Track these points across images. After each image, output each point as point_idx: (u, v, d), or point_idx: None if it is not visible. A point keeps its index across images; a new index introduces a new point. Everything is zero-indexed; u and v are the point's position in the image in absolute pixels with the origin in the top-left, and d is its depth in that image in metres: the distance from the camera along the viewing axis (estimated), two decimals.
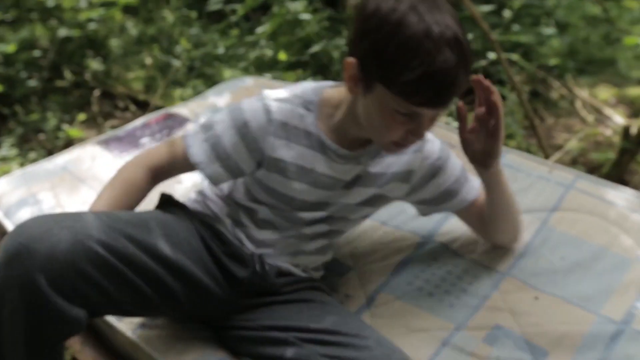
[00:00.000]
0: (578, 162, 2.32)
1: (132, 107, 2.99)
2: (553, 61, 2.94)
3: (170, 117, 1.94)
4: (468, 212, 1.24)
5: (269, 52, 3.16)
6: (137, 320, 1.20)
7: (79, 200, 1.54)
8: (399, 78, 0.90)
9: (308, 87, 1.12)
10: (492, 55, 2.20)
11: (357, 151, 1.10)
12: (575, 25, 3.21)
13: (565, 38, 3.24)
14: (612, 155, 2.12)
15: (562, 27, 3.34)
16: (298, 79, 2.85)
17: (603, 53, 3.13)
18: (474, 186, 1.21)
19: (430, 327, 1.15)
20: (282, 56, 2.90)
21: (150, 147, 1.17)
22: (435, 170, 1.17)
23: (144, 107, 2.93)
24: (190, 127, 1.19)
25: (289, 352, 1.01)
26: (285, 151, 1.08)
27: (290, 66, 3.01)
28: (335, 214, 1.16)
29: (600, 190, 1.43)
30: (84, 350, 1.29)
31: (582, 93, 2.86)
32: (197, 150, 1.09)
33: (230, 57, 3.48)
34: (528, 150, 2.32)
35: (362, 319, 1.11)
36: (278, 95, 1.09)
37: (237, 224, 1.15)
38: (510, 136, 2.36)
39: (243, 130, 1.06)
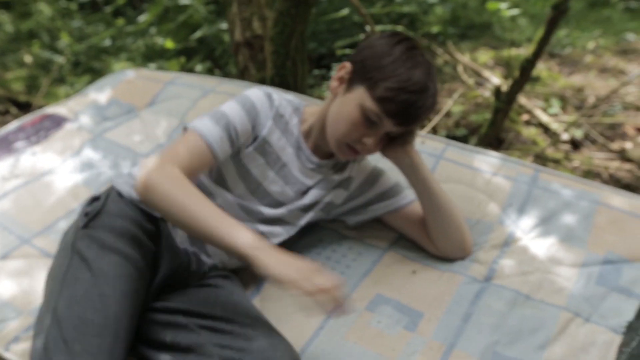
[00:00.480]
0: (461, 124, 2.46)
1: (14, 110, 2.83)
2: (435, 29, 3.07)
3: (47, 117, 1.86)
4: (402, 219, 1.31)
5: (159, 41, 3.07)
6: (11, 335, 1.17)
7: None
8: (383, 83, 1.07)
9: (292, 98, 1.25)
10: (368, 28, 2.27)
11: (322, 161, 1.24)
12: None
13: (447, 5, 3.37)
14: (489, 115, 2.27)
15: None
16: (183, 68, 2.81)
17: (481, 18, 3.30)
18: (406, 195, 1.32)
19: (316, 305, 1.21)
20: (169, 44, 2.83)
21: (168, 152, 1.08)
22: (372, 179, 1.32)
23: (26, 108, 2.78)
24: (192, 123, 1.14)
25: (186, 338, 1.05)
26: (276, 138, 1.19)
27: (180, 53, 2.95)
28: (287, 216, 1.24)
29: (467, 157, 1.55)
30: None
31: (464, 58, 3.02)
32: (205, 127, 1.11)
33: (119, 48, 3.35)
34: None
35: (254, 307, 1.14)
36: (277, 95, 1.22)
37: None
38: None
39: (248, 106, 1.16)
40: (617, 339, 1.09)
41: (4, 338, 1.18)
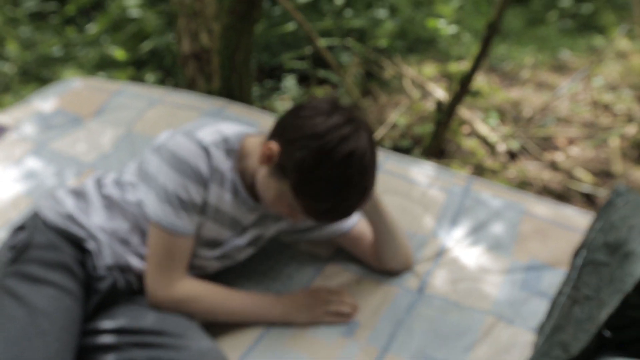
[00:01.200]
0: (407, 135, 2.55)
1: None
2: (383, 42, 3.17)
3: None
4: (348, 240, 1.33)
5: (110, 51, 3.05)
6: None
7: None
8: (312, 202, 1.06)
9: (232, 132, 1.19)
10: (322, 42, 2.33)
11: (257, 203, 1.22)
12: (404, 8, 3.47)
13: (396, 20, 3.48)
14: (432, 127, 2.36)
15: (393, 10, 3.59)
16: (133, 78, 2.80)
17: (427, 33, 3.42)
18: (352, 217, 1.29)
19: None
20: (120, 55, 2.82)
21: (162, 268, 1.14)
22: None
23: None
24: (149, 205, 1.15)
25: (117, 358, 1.05)
26: (213, 195, 1.17)
27: (131, 64, 2.94)
28: (225, 254, 1.25)
29: (404, 169, 1.62)
30: None
31: (410, 71, 3.12)
32: (174, 222, 1.12)
33: (69, 57, 3.30)
34: None
35: (185, 317, 1.15)
36: (210, 139, 1.15)
37: (121, 242, 1.17)
38: None
39: (196, 178, 1.12)
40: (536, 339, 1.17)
41: None
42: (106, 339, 1.08)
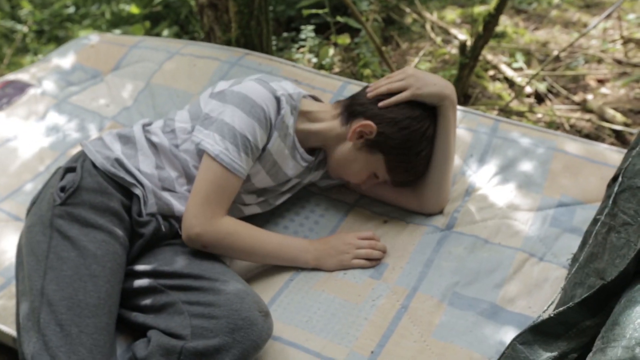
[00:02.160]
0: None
1: None
2: None
3: (10, 84, 1.84)
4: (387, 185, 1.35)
5: (124, 7, 3.01)
6: None
7: None
8: (404, 172, 1.23)
9: (293, 91, 1.25)
10: None
11: (312, 156, 1.29)
12: None
13: None
14: (455, 72, 2.30)
15: None
16: (148, 33, 2.76)
17: None
18: None
19: None
20: (134, 9, 2.78)
21: (206, 199, 1.12)
22: None
23: None
24: (209, 142, 1.14)
25: (155, 300, 1.06)
26: (276, 146, 1.20)
27: (146, 19, 2.90)
28: (266, 200, 1.29)
29: None
30: None
31: (432, 16, 3.02)
32: (229, 156, 1.12)
33: (83, 15, 3.27)
34: (382, 76, 2.45)
35: (221, 260, 1.17)
36: (280, 92, 1.20)
37: (167, 189, 1.18)
38: (365, 65, 2.48)
39: (262, 121, 1.15)
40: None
41: None
42: (144, 282, 1.09)
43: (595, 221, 1.00)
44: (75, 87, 1.84)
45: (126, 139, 1.22)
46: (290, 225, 1.35)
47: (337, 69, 2.61)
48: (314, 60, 2.59)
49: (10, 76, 1.90)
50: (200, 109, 1.22)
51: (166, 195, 1.17)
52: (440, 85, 1.21)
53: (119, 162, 1.15)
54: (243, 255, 1.19)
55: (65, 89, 1.83)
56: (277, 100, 1.19)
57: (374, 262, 1.21)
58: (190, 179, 1.20)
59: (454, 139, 1.26)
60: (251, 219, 1.30)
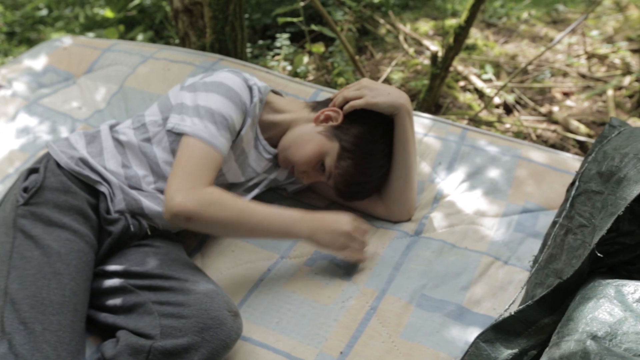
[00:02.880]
0: (402, 90, 2.53)
1: None
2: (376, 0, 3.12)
3: None
4: None
5: (98, 10, 2.99)
6: None
7: None
8: (352, 165, 1.20)
9: (261, 84, 1.25)
10: None
11: (274, 150, 1.29)
12: None
13: None
14: (426, 82, 2.35)
15: None
16: (122, 37, 2.75)
17: None
18: None
19: (256, 258, 1.27)
20: (109, 13, 2.77)
21: (186, 173, 1.08)
22: None
23: None
24: (187, 124, 1.12)
25: (125, 300, 1.06)
26: (245, 133, 1.20)
27: (120, 23, 2.89)
28: (238, 194, 1.28)
29: None
30: None
31: (405, 27, 3.09)
32: (208, 132, 1.11)
33: (56, 18, 3.24)
34: None
35: (191, 261, 1.17)
36: (252, 79, 1.23)
37: (135, 187, 1.18)
38: (339, 74, 2.52)
39: (237, 101, 1.15)
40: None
41: None
42: (114, 282, 1.09)
43: (554, 224, 1.04)
44: (46, 89, 1.83)
45: (91, 138, 1.22)
46: None
47: (311, 77, 2.64)
48: (289, 68, 2.62)
49: None
50: (170, 102, 1.22)
51: (134, 193, 1.17)
52: (394, 95, 1.24)
53: (83, 161, 1.15)
54: (229, 227, 1.09)
55: (36, 91, 1.81)
56: (250, 88, 1.21)
57: (358, 260, 1.22)
58: (159, 176, 1.19)
59: (414, 148, 1.29)
60: None
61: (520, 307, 0.84)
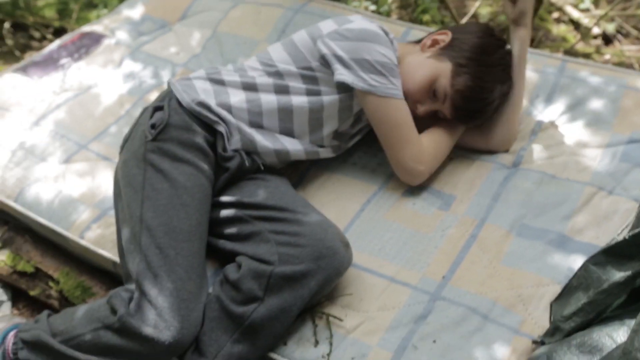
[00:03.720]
0: (490, 25, 2.43)
1: (50, 36, 2.90)
2: None
3: (86, 35, 1.93)
4: None
5: None
6: (83, 225, 1.31)
7: (6, 125, 1.59)
8: (469, 79, 1.20)
9: None
10: None
11: None
12: None
13: None
14: None
15: None
16: None
17: None
18: None
19: (356, 190, 1.32)
20: None
21: (403, 138, 1.21)
22: None
23: (61, 34, 2.84)
24: (371, 83, 1.19)
25: (242, 229, 1.13)
26: None
27: None
28: (342, 142, 1.35)
29: None
30: (45, 261, 1.41)
31: None
32: (394, 90, 1.19)
33: None
34: (442, 22, 2.43)
35: (298, 195, 1.23)
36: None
37: (253, 125, 1.23)
38: (424, 11, 2.45)
39: (390, 45, 1.22)
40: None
41: (77, 228, 1.32)
42: (230, 212, 1.16)
43: None
44: (146, 36, 1.92)
45: (216, 80, 1.25)
46: (358, 161, 1.40)
47: (395, 16, 2.60)
48: (372, 7, 2.58)
49: (86, 28, 2.00)
50: (301, 52, 1.23)
51: (251, 131, 1.22)
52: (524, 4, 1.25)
53: (202, 103, 1.20)
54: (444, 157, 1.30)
55: (137, 39, 1.91)
56: (385, 32, 1.24)
57: None
58: (285, 113, 1.23)
59: (524, 71, 1.27)
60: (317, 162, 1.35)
61: (636, 230, 0.83)
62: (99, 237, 1.30)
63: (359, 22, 1.23)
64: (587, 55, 2.19)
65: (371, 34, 1.19)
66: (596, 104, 1.41)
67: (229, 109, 1.21)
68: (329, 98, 1.23)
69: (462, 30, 1.25)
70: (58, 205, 1.37)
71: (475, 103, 1.23)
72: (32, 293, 1.39)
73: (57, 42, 1.93)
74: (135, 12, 2.03)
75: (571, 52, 2.18)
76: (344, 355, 1.02)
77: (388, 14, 2.58)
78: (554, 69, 1.52)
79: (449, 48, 1.23)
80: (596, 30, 2.34)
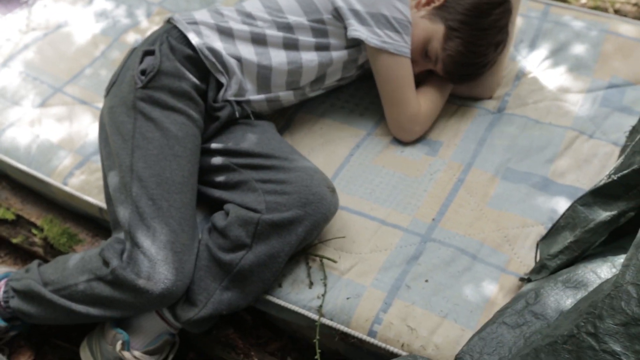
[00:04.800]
0: None
1: None
2: None
3: None
4: None
5: None
6: (65, 171, 1.28)
7: None
8: (461, 43, 1.18)
9: None
10: None
11: None
12: None
13: None
14: None
15: None
16: None
17: None
18: None
19: (344, 135, 1.32)
20: None
21: (402, 98, 1.23)
22: None
23: None
24: (385, 40, 1.19)
25: (229, 177, 1.13)
26: None
27: None
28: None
29: None
30: (26, 208, 1.38)
31: None
32: (401, 47, 1.19)
33: None
34: None
35: (285, 140, 1.22)
36: None
37: (259, 79, 1.21)
38: None
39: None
40: (616, 150, 1.22)
41: (59, 174, 1.29)
42: (217, 160, 1.15)
43: None
44: None
45: (221, 21, 1.20)
46: (345, 105, 1.39)
47: None
48: None
49: None
50: (314, 3, 1.20)
51: (252, 87, 1.20)
52: None
53: (215, 49, 1.16)
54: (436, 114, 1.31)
55: None
56: None
57: None
58: (294, 70, 1.21)
59: (515, 20, 1.27)
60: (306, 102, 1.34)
61: (624, 172, 0.87)
62: (83, 184, 1.27)
63: None
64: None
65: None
66: (578, 49, 1.43)
67: (239, 60, 1.18)
68: (338, 53, 1.22)
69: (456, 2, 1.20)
70: (37, 151, 1.33)
71: (468, 67, 1.22)
72: (14, 241, 1.36)
73: None
74: None
75: None
76: (339, 296, 1.05)
77: None
78: (537, 12, 1.53)
79: (442, 8, 1.20)
80: None
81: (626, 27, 1.45)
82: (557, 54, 1.43)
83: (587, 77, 1.38)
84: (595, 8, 2.15)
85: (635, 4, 2.13)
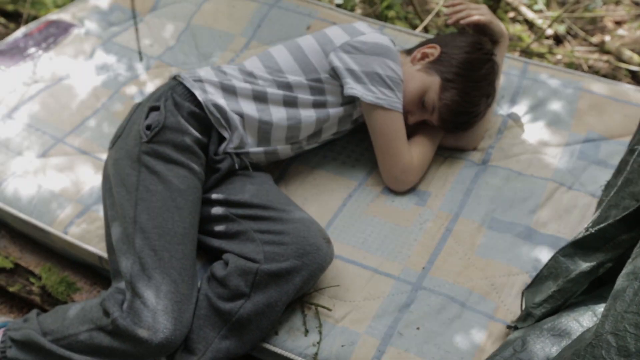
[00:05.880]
0: (448, 24, 2.54)
1: (2, 20, 2.79)
2: None
3: (52, 24, 1.89)
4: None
5: None
6: (66, 221, 1.32)
7: None
8: (456, 93, 1.27)
9: None
10: None
11: None
12: None
13: None
14: None
15: None
16: None
17: None
18: None
19: (337, 186, 1.38)
20: None
21: (395, 151, 1.29)
22: None
23: (14, 17, 2.75)
24: (379, 96, 1.26)
25: (228, 228, 1.17)
26: None
27: None
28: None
29: None
30: (24, 256, 1.40)
31: None
32: (394, 102, 1.26)
33: None
34: (405, 18, 2.51)
35: (281, 191, 1.28)
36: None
37: (260, 135, 1.27)
38: (389, 7, 2.53)
39: (397, 59, 1.28)
40: (594, 201, 1.29)
41: (61, 223, 1.32)
42: (217, 210, 1.19)
43: (631, 151, 1.13)
44: (116, 27, 1.90)
45: (224, 79, 1.26)
46: (338, 157, 1.46)
47: (359, 11, 2.66)
48: (338, 1, 2.63)
49: (52, 16, 1.95)
50: (312, 63, 1.27)
51: (252, 140, 1.26)
52: (502, 25, 1.35)
53: (219, 106, 1.22)
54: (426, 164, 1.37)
55: (107, 29, 1.89)
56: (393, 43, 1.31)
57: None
58: (293, 126, 1.27)
59: (500, 77, 1.36)
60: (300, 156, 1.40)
61: (601, 225, 0.94)
62: (83, 232, 1.31)
63: (372, 35, 1.27)
64: (541, 55, 2.33)
65: (384, 49, 1.25)
66: (555, 105, 1.53)
67: (241, 116, 1.24)
68: (334, 110, 1.29)
69: (450, 44, 1.30)
70: (39, 201, 1.36)
71: (462, 116, 1.30)
72: (11, 289, 1.38)
73: (22, 30, 1.88)
74: (103, 1, 2.00)
75: (526, 52, 2.31)
76: (334, 343, 1.09)
77: (352, 9, 2.64)
78: (517, 70, 1.63)
79: (437, 62, 1.29)
80: (549, 31, 2.49)
81: (599, 86, 1.55)
82: (536, 109, 1.53)
83: (565, 131, 1.47)
84: (570, 64, 2.28)
85: (606, 61, 2.27)
